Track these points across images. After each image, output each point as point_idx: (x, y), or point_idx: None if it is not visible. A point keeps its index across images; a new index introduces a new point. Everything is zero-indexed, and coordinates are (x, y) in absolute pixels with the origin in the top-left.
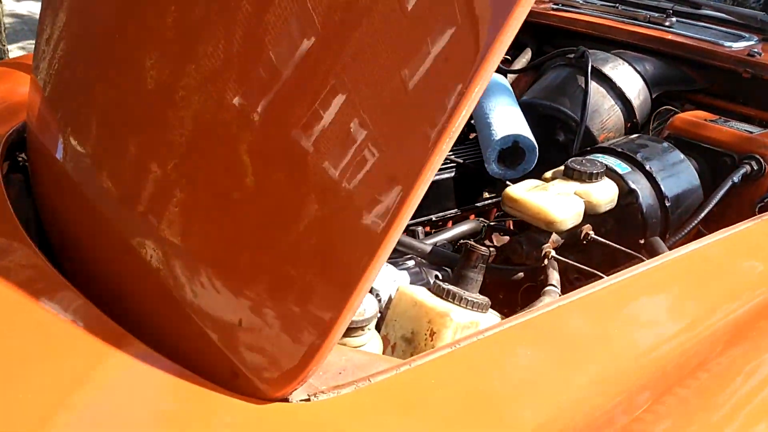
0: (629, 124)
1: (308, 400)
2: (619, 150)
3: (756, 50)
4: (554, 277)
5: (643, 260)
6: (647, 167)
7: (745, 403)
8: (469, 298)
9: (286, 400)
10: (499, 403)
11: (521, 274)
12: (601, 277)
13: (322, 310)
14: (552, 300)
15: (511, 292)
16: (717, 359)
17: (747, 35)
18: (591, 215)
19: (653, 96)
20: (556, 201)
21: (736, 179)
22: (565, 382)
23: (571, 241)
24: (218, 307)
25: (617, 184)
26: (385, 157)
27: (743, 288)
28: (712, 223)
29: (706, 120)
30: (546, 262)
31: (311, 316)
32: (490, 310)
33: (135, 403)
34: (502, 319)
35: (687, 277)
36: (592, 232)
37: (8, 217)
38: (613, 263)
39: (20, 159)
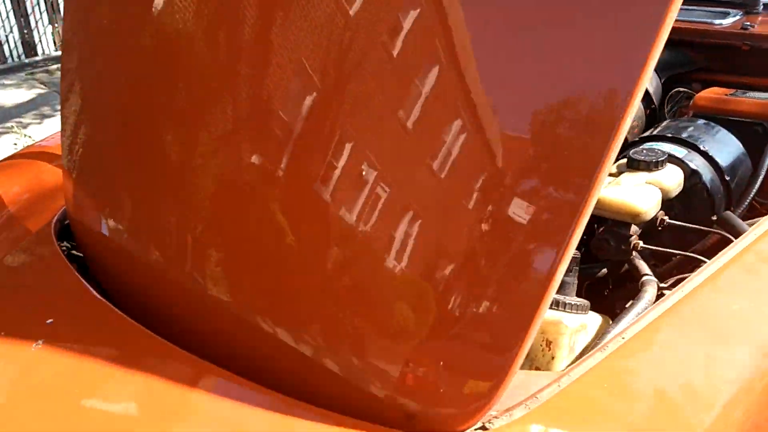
0: (648, 111)
1: (485, 428)
2: (670, 135)
3: (747, 23)
4: (645, 267)
5: (723, 234)
6: (701, 147)
7: None
8: (573, 302)
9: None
10: (676, 400)
11: (605, 270)
12: (697, 259)
13: (504, 347)
14: (653, 289)
15: (594, 289)
16: None
17: (731, 11)
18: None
19: (662, 81)
20: (636, 193)
21: None
22: (730, 362)
23: (646, 229)
24: (383, 357)
25: (680, 168)
26: None
27: None
28: (761, 192)
29: (726, 95)
30: (634, 253)
31: (495, 355)
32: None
33: None
34: (603, 318)
35: None
36: (666, 218)
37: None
38: (684, 246)
39: (64, 247)
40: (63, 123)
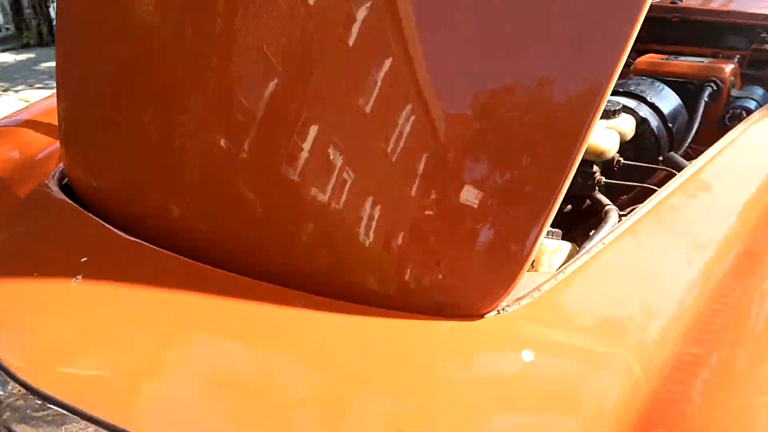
0: None
1: (500, 313)
2: (621, 90)
3: None
4: (606, 199)
5: (669, 170)
6: (648, 99)
7: None
8: (550, 229)
9: (481, 316)
10: (647, 279)
11: (569, 206)
12: (650, 189)
13: (518, 244)
14: (615, 215)
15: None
16: None
17: None
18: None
19: None
20: (599, 135)
21: (706, 99)
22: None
23: (604, 169)
24: (415, 256)
25: (632, 116)
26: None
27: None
28: (696, 140)
29: (662, 59)
30: (597, 189)
31: (508, 251)
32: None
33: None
34: (572, 244)
35: (722, 174)
36: (621, 159)
37: None
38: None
39: None
40: (59, 86)
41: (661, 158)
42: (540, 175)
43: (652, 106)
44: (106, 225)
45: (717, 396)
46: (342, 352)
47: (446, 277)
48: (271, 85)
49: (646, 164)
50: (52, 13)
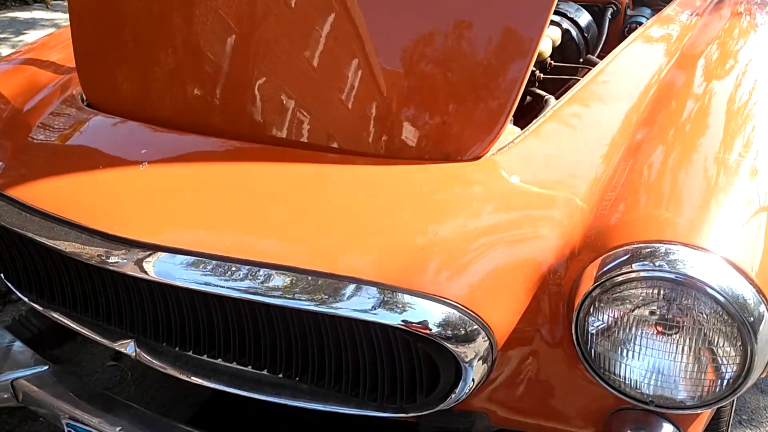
0: None
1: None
2: None
3: None
4: (544, 92)
5: (588, 68)
6: (568, 15)
7: None
8: None
9: (479, 158)
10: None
11: None
12: (575, 80)
13: (500, 111)
14: (554, 100)
15: None
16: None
17: None
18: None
19: None
20: None
21: (609, 17)
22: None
23: (541, 69)
24: (425, 118)
25: (558, 28)
26: None
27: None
28: (603, 49)
29: None
30: (536, 85)
31: (494, 115)
32: None
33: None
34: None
35: (625, 67)
36: (552, 61)
37: None
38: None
39: None
40: (71, 12)
41: (581, 60)
42: (511, 69)
43: (572, 21)
44: (142, 124)
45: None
46: (382, 183)
47: (451, 132)
48: (229, 40)
49: (572, 64)
50: None
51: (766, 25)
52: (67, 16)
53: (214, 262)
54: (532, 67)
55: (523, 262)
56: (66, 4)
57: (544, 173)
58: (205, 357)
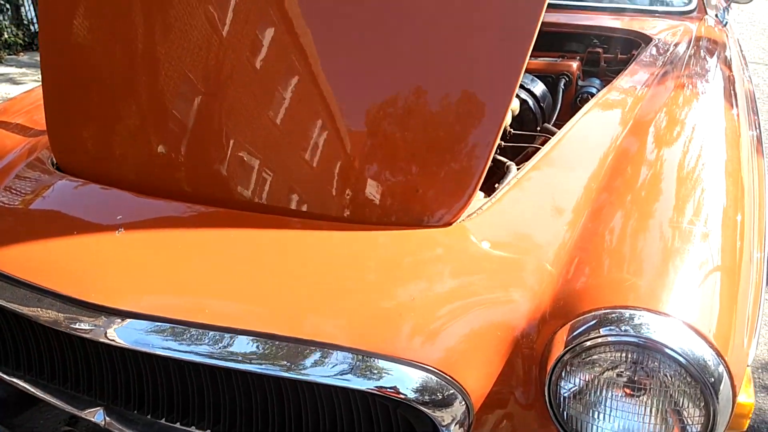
0: None
1: (460, 222)
2: None
3: None
4: (505, 159)
5: (546, 136)
6: (525, 86)
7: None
8: None
9: (449, 224)
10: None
11: None
12: (535, 148)
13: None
14: (515, 168)
15: None
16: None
17: None
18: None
19: None
20: None
21: (563, 87)
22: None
23: (501, 137)
24: (396, 184)
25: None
26: None
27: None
28: (558, 118)
29: None
30: (498, 151)
31: (463, 184)
32: None
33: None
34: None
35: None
36: (511, 129)
37: None
38: (523, 147)
39: None
40: (44, 79)
41: (539, 128)
42: (480, 139)
43: (528, 91)
44: (113, 188)
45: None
46: (354, 247)
47: (424, 199)
48: (196, 104)
49: (530, 132)
50: None
51: (707, 94)
52: (20, 70)
53: (185, 328)
54: None
55: (497, 326)
56: (19, 58)
57: (513, 239)
58: (178, 425)
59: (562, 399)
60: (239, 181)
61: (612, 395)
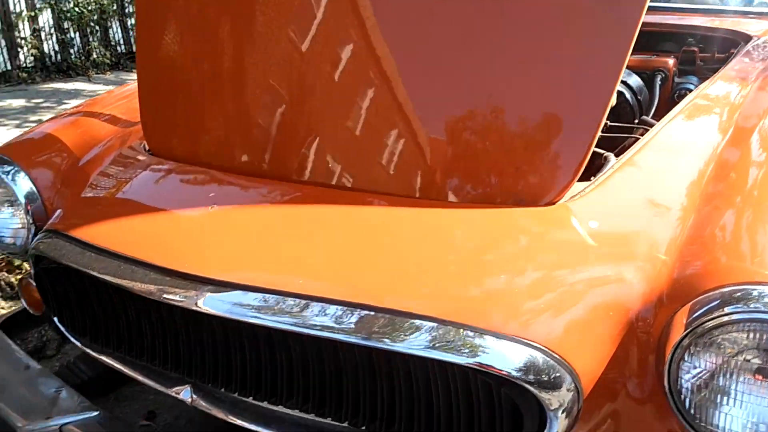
0: None
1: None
2: None
3: None
4: (602, 150)
5: (645, 128)
6: (622, 79)
7: None
8: None
9: (552, 204)
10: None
11: None
12: (635, 138)
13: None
14: (613, 159)
15: None
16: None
17: None
18: None
19: None
20: None
21: (659, 82)
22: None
23: None
24: (496, 161)
25: None
26: None
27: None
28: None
29: None
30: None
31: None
32: None
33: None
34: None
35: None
36: (608, 121)
37: None
38: (620, 140)
39: None
40: (140, 75)
41: (636, 121)
42: (585, 123)
43: (626, 84)
44: (203, 169)
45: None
46: (457, 226)
47: (526, 177)
48: (278, 110)
49: (628, 124)
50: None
51: None
52: (107, 88)
53: (280, 297)
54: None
55: (609, 306)
56: (106, 77)
57: (620, 222)
58: (265, 404)
59: (683, 387)
60: (327, 161)
61: (741, 379)
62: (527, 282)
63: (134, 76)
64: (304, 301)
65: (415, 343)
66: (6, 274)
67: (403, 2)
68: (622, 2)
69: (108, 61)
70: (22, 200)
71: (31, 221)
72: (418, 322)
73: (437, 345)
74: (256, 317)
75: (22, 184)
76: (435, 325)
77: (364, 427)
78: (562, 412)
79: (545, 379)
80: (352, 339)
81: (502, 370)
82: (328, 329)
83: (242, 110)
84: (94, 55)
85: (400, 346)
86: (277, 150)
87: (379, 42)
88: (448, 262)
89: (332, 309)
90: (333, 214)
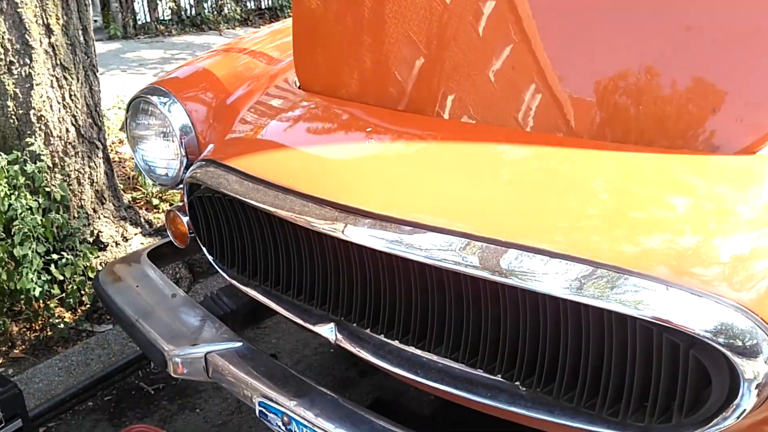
0: None
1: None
2: None
3: None
4: None
5: None
6: None
7: None
8: None
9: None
10: None
11: None
12: None
13: None
14: None
15: None
16: None
17: None
18: None
19: None
20: None
21: None
22: None
23: None
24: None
25: None
26: None
27: None
28: None
29: None
30: None
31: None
32: None
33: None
34: None
35: None
36: None
37: None
38: None
39: None
40: (295, 16)
41: None
42: None
43: None
44: (357, 103)
45: None
46: (642, 174)
47: (723, 123)
48: (418, 61)
49: None
50: (137, 8)
51: None
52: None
53: (455, 238)
54: None
55: None
56: (235, 31)
57: None
58: (411, 348)
59: None
60: (478, 99)
61: None
62: (720, 235)
63: None
64: (475, 243)
65: (598, 293)
66: (145, 212)
67: None
68: None
69: (238, 17)
70: (177, 132)
71: (183, 153)
72: (606, 271)
73: (622, 299)
74: (422, 255)
75: (178, 116)
76: (622, 276)
77: (518, 382)
78: (755, 387)
79: (738, 344)
80: (557, 292)
81: (695, 330)
82: (498, 273)
83: (391, 51)
84: (226, 10)
85: (604, 303)
86: (427, 87)
87: None
88: (638, 212)
89: (512, 254)
90: (492, 153)
